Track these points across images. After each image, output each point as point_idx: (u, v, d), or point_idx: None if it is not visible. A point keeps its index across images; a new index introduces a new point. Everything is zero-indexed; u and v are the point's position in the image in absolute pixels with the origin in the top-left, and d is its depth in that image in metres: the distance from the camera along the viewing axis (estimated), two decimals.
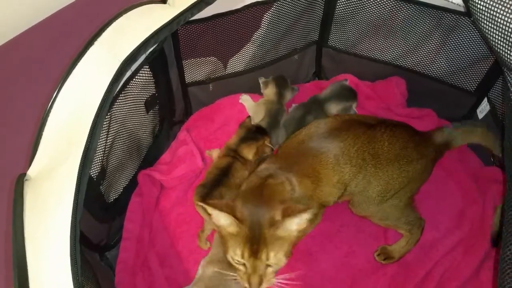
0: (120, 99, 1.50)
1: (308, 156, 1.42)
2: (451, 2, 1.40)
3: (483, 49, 1.68)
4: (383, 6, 1.77)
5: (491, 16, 1.20)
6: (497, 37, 1.20)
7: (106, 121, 1.45)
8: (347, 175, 1.43)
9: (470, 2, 1.27)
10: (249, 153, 1.80)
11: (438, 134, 1.63)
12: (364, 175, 1.44)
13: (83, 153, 1.10)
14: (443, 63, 1.85)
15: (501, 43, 1.20)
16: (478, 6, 1.24)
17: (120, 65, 1.23)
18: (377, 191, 1.47)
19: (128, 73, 1.46)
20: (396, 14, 1.77)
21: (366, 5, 1.81)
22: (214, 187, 1.67)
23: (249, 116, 1.92)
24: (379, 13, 1.81)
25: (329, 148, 1.42)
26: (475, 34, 1.65)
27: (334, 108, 1.96)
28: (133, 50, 1.26)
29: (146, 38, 1.28)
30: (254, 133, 1.83)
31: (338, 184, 1.44)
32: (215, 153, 1.92)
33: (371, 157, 1.43)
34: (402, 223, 1.58)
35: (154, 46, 1.50)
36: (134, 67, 1.48)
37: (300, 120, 1.88)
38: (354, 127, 1.44)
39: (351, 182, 1.45)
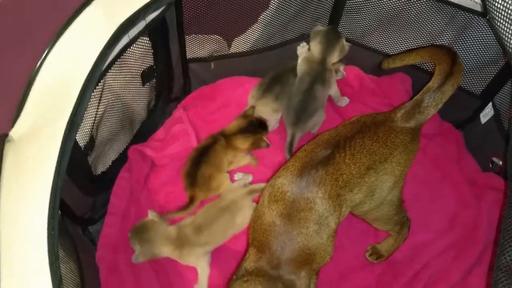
0: (115, 67, 1.45)
1: (292, 242, 1.23)
2: None
3: (493, 52, 1.64)
4: None
5: (508, 16, 1.17)
6: None
7: (99, 88, 1.40)
8: (332, 224, 1.26)
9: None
10: (243, 144, 1.81)
11: (399, 113, 1.37)
12: (346, 205, 1.30)
13: (70, 117, 1.06)
14: None
15: None
16: (496, 4, 1.21)
17: (117, 29, 1.18)
18: (365, 202, 1.37)
19: (126, 40, 1.41)
20: (410, 7, 1.73)
21: None
22: (195, 169, 1.71)
23: (253, 107, 1.89)
24: (393, 4, 1.76)
25: (307, 218, 1.22)
26: (487, 36, 1.61)
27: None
28: (132, 15, 1.21)
29: (147, 3, 1.23)
30: (255, 126, 1.82)
31: (330, 239, 1.28)
32: None
33: (344, 188, 1.26)
34: (394, 223, 1.53)
35: (155, 13, 1.45)
36: (132, 34, 1.43)
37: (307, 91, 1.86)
38: (313, 176, 1.23)
39: (339, 219, 1.31)
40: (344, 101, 2.02)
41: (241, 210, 1.67)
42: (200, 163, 1.72)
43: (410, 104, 1.36)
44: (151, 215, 1.65)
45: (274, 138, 1.93)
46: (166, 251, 1.61)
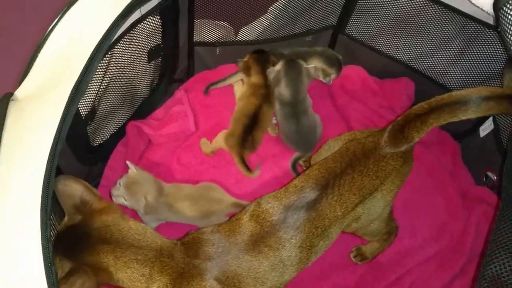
0: (124, 41, 1.45)
1: (234, 261, 1.18)
2: (481, 8, 1.35)
3: (499, 66, 1.64)
4: (410, 2, 1.72)
5: None
6: None
7: (106, 60, 1.40)
8: (286, 276, 1.23)
9: (500, 11, 1.23)
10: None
11: (383, 137, 1.28)
12: (315, 253, 1.26)
13: (76, 82, 1.05)
14: (457, 73, 1.81)
15: None
16: (508, 16, 1.21)
17: (131, 1, 1.18)
18: (351, 225, 1.34)
19: (137, 15, 1.41)
20: (421, 13, 1.72)
21: None
22: (246, 135, 1.75)
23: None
24: (404, 9, 1.76)
25: (267, 256, 1.18)
26: (495, 49, 1.61)
27: (316, 64, 1.95)
28: None
29: None
30: (261, 55, 1.90)
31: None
32: (237, 88, 1.95)
33: (320, 235, 1.22)
34: (382, 234, 1.54)
35: None
36: (144, 10, 1.43)
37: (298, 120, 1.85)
38: (294, 218, 1.18)
39: (296, 273, 1.26)
40: None
41: (215, 215, 1.64)
42: (252, 128, 1.76)
43: (393, 127, 1.27)
44: (134, 167, 1.57)
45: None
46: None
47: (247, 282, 1.19)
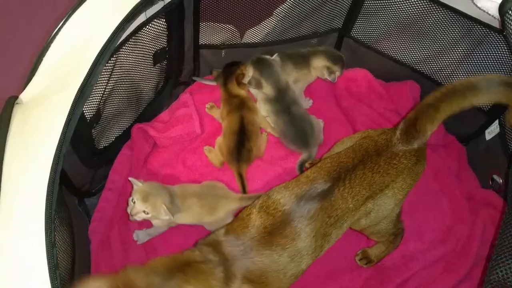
0: (129, 44, 1.46)
1: (257, 258, 1.20)
2: (486, 12, 1.35)
3: (505, 69, 1.63)
4: (416, 5, 1.72)
5: None
6: None
7: (111, 63, 1.40)
8: (304, 265, 1.25)
9: (506, 15, 1.23)
10: (234, 87, 1.88)
11: (396, 134, 1.30)
12: (329, 243, 1.27)
13: (81, 86, 1.06)
14: (462, 76, 1.81)
15: None
16: None
17: (136, 4, 1.18)
18: (360, 220, 1.34)
19: (142, 18, 1.41)
20: (427, 16, 1.72)
21: (399, 0, 1.76)
22: (239, 150, 1.76)
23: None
24: (410, 12, 1.75)
25: (285, 247, 1.20)
26: (501, 52, 1.61)
27: (320, 62, 1.97)
28: None
29: None
30: (228, 68, 1.90)
31: (291, 278, 1.26)
32: (216, 113, 1.96)
33: (334, 224, 1.23)
34: (389, 235, 1.53)
35: None
36: (149, 13, 1.43)
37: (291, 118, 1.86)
38: (308, 208, 1.19)
39: (312, 261, 1.28)
40: (308, 103, 2.04)
41: (223, 210, 1.64)
42: (243, 141, 1.78)
43: (404, 123, 1.28)
44: (138, 182, 1.55)
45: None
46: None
47: (272, 275, 1.21)
